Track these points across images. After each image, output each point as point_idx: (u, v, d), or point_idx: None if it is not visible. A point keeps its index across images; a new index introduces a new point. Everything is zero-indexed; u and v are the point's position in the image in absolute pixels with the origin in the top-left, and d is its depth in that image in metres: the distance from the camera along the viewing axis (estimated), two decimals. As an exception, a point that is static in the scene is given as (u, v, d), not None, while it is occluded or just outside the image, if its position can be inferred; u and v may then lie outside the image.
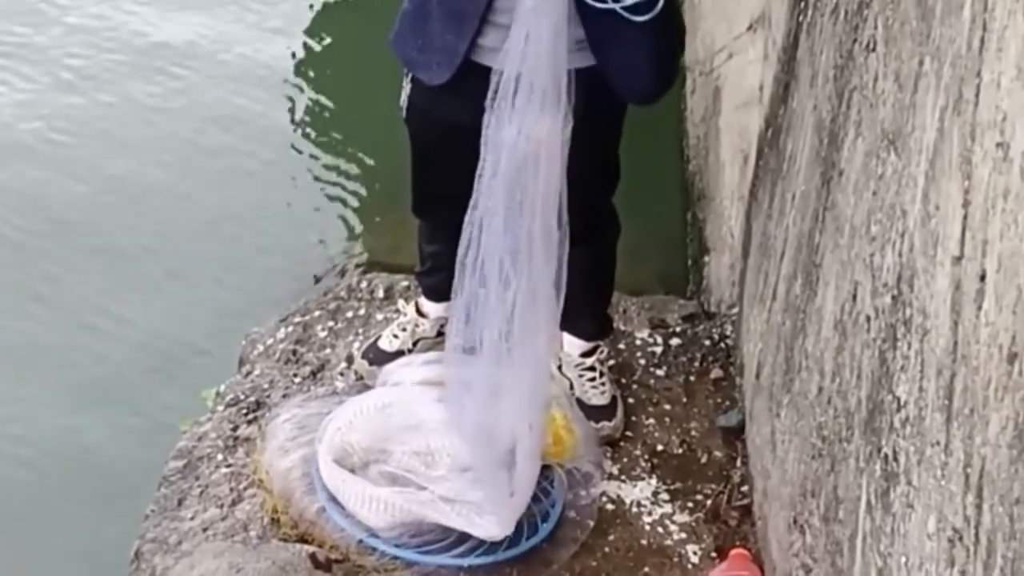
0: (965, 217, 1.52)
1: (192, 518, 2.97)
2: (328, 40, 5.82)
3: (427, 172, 2.98)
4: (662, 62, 2.77)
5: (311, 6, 5.96)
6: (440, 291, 3.19)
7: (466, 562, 2.83)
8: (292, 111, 5.34)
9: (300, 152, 5.13)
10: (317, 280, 4.32)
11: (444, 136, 2.82)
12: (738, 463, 3.11)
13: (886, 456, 1.82)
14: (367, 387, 3.16)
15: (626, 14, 2.56)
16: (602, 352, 3.22)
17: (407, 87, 2.86)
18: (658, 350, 3.40)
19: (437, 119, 2.82)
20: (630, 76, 2.71)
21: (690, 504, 3.03)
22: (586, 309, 3.08)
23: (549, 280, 2.66)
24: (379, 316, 3.46)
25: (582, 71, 2.62)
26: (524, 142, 2.55)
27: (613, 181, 3.00)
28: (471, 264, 2.64)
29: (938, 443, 1.59)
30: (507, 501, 2.81)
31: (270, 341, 3.42)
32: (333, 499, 2.89)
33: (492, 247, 2.62)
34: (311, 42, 5.78)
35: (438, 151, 2.89)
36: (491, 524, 2.82)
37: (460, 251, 2.65)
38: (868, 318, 1.98)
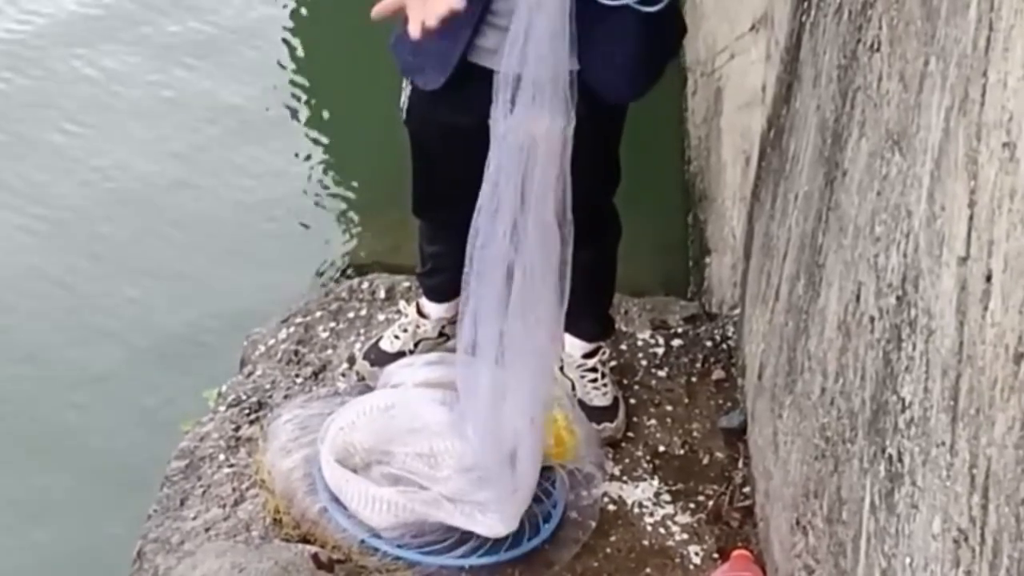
0: (971, 217, 1.52)
1: (194, 518, 2.97)
2: (326, 38, 5.81)
3: (427, 173, 2.98)
4: (642, 61, 2.73)
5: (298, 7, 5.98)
6: (441, 292, 3.19)
7: (468, 563, 2.83)
8: (292, 111, 5.33)
9: (300, 151, 5.12)
10: (333, 279, 4.30)
11: (444, 137, 2.82)
12: (740, 464, 3.11)
13: (890, 457, 1.81)
14: (369, 388, 3.16)
15: (640, 7, 2.55)
16: (604, 353, 3.22)
17: (407, 88, 2.85)
18: (660, 351, 3.40)
19: (437, 121, 2.81)
20: (607, 74, 2.67)
21: (692, 505, 3.03)
22: (587, 310, 3.08)
23: (552, 278, 2.65)
24: (380, 317, 3.46)
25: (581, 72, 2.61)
26: (524, 140, 2.55)
27: (614, 181, 2.99)
28: (476, 264, 2.64)
29: (943, 443, 1.58)
30: (511, 498, 2.82)
31: (272, 341, 3.42)
32: (335, 499, 2.89)
33: (494, 246, 2.62)
34: (309, 41, 5.77)
35: (438, 152, 2.89)
36: (494, 521, 2.82)
37: (468, 252, 2.65)
38: (872, 319, 1.97)
